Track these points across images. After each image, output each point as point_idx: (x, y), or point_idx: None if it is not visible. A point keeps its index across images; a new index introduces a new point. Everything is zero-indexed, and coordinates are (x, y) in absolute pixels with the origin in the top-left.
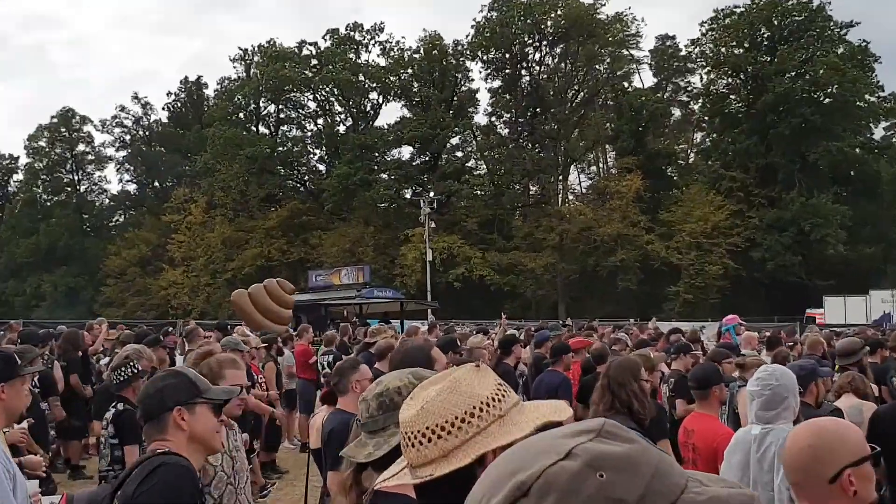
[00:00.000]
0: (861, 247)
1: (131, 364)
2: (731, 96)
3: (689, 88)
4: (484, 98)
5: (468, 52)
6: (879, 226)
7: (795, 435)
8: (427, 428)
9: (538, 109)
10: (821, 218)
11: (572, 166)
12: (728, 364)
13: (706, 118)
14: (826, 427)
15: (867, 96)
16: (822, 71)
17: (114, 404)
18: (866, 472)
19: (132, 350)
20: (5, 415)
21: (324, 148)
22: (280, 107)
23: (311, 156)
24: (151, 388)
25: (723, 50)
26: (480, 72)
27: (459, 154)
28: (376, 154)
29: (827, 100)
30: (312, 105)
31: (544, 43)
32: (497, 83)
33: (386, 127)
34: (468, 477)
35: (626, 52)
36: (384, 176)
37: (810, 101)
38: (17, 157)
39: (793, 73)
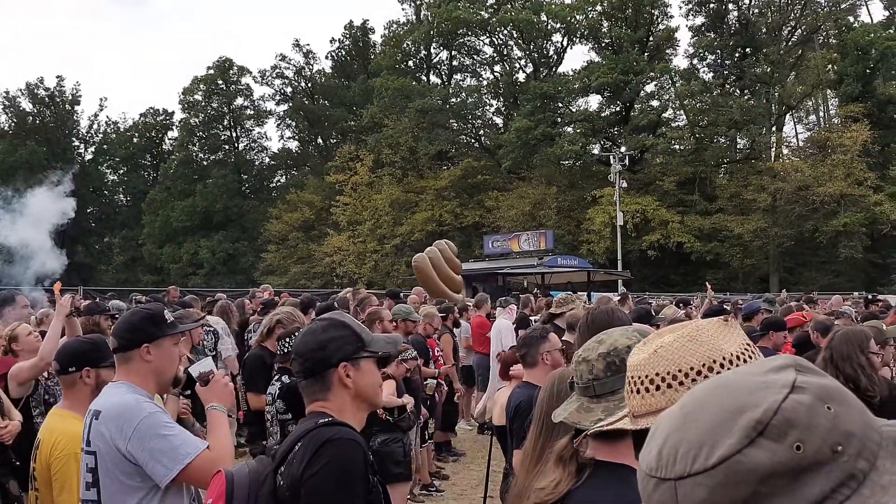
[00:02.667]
0: None
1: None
2: None
3: None
4: (684, 38)
5: None
6: None
7: None
8: (657, 374)
9: (748, 50)
10: None
11: (787, 115)
12: None
13: None
14: None
15: None
16: None
17: (278, 377)
18: None
19: (284, 314)
20: (154, 378)
21: (501, 98)
22: (453, 53)
23: (487, 108)
24: (313, 341)
25: None
26: (680, 7)
27: (655, 103)
28: (560, 104)
29: None
30: (489, 50)
31: None
32: (700, 20)
33: (571, 73)
34: None
35: None
36: (569, 129)
37: None
38: (172, 113)
39: None
